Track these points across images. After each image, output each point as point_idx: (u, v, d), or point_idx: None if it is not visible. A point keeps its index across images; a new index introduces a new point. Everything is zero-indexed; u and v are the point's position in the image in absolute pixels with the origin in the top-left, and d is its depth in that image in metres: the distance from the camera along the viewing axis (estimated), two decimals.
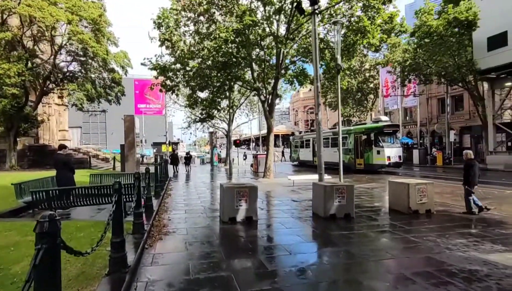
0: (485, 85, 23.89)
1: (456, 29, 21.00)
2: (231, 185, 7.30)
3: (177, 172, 23.76)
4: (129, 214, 4.55)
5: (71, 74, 22.61)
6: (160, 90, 17.84)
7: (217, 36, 13.44)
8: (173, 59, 16.16)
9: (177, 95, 21.69)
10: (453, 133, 28.01)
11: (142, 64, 15.56)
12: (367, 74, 36.38)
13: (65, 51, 21.72)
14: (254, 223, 6.89)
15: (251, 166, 24.40)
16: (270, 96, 17.48)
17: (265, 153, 18.96)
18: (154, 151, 45.94)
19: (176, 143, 47.89)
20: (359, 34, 15.94)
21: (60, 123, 31.13)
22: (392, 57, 30.67)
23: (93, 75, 23.50)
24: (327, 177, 14.02)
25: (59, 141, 26.82)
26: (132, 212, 5.35)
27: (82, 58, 21.42)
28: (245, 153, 40.14)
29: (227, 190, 6.98)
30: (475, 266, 4.14)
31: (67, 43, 20.40)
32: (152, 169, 10.79)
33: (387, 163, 18.57)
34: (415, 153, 28.08)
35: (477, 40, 21.12)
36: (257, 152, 41.15)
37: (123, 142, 17.64)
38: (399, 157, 19.20)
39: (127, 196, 6.72)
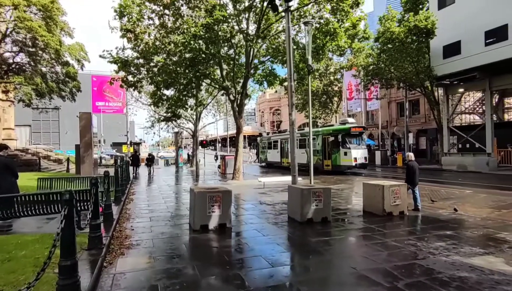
0: (441, 91, 25.45)
1: (416, 37, 22.09)
2: (203, 189, 6.70)
3: (139, 173, 22.42)
4: (83, 228, 3.81)
5: (17, 67, 20.31)
6: (121, 86, 16.59)
7: (185, 30, 12.68)
8: (136, 54, 15.04)
9: (139, 92, 20.35)
10: (411, 135, 29.55)
11: (101, 56, 14.26)
12: (331, 78, 37.32)
13: (11, 41, 19.45)
14: (228, 230, 6.36)
15: (219, 167, 23.72)
16: (240, 96, 17.02)
17: (234, 153, 18.44)
18: (114, 151, 43.30)
19: (138, 144, 45.47)
20: (328, 37, 16.05)
21: (4, 121, 27.96)
22: (355, 61, 31.72)
23: (44, 68, 21.31)
24: (298, 179, 13.88)
25: (3, 141, 24.01)
26: (89, 223, 4.57)
27: (31, 49, 19.29)
28: (216, 153, 39.21)
29: (198, 195, 6.37)
30: (463, 273, 4.01)
31: (13, 31, 18.26)
32: (112, 171, 9.80)
33: (353, 164, 18.95)
34: (377, 154, 29.20)
35: (434, 48, 22.38)
36: (224, 153, 40.50)
37: (78, 142, 16.08)
38: (365, 158, 19.70)
39: (82, 204, 5.84)
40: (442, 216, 7.68)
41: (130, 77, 15.90)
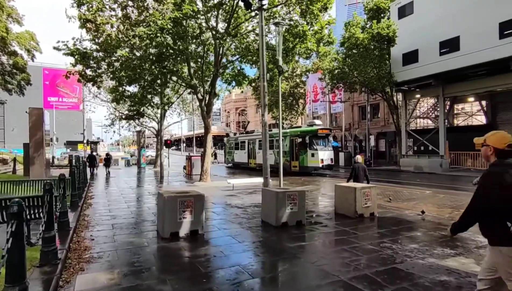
0: (400, 96, 26.92)
1: (378, 44, 23.14)
2: (173, 193, 6.24)
3: (97, 175, 21.01)
4: (35, 243, 3.24)
5: None
6: (79, 81, 15.30)
7: (152, 22, 11.96)
8: (96, 46, 13.93)
9: (99, 88, 18.99)
10: (373, 138, 30.96)
11: (55, 48, 12.98)
12: (298, 80, 38.02)
13: None
14: (201, 237, 5.97)
15: (184, 168, 22.94)
16: (208, 95, 16.53)
17: (201, 154, 17.88)
18: (68, 151, 40.24)
19: (96, 143, 42.76)
20: (298, 39, 16.15)
21: None
22: (321, 65, 32.56)
23: None
24: (262, 179, 13.74)
25: None
26: (41, 236, 3.95)
27: None
28: (189, 154, 37.99)
29: (168, 200, 5.90)
30: (442, 276, 4.04)
31: None
32: (67, 173, 8.88)
33: (320, 165, 19.30)
34: (341, 156, 30.17)
35: (394, 55, 23.61)
36: (189, 153, 39.38)
37: (27, 141, 14.54)
38: (331, 159, 20.17)
39: (33, 212, 5.11)
40: (409, 216, 7.93)
41: (88, 72, 14.73)
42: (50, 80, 42.57)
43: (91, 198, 10.92)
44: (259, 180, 14.43)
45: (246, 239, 5.94)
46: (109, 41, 13.01)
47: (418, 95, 24.70)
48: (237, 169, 27.89)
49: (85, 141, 33.32)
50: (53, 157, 28.79)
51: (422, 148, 24.33)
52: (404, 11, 22.88)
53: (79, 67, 14.81)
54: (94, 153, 27.89)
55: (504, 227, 2.35)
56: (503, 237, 2.37)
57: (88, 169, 19.42)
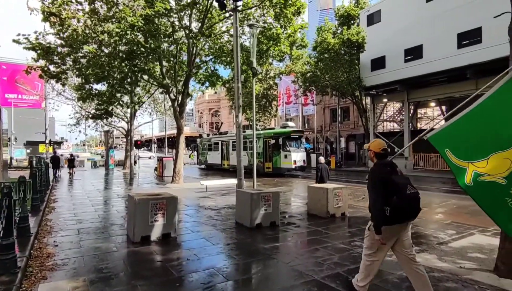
0: (368, 99, 28.05)
1: (349, 49, 23.98)
2: (145, 196, 6.04)
3: (60, 176, 19.92)
4: None
5: None
6: (40, 77, 14.39)
7: (122, 18, 11.53)
8: (60, 41, 13.17)
9: (63, 85, 17.95)
10: (343, 140, 31.95)
11: (15, 41, 12.10)
12: (271, 82, 38.40)
13: None
14: (173, 241, 5.83)
15: (155, 169, 22.32)
16: (181, 96, 16.22)
17: (174, 155, 17.50)
18: (28, 151, 37.69)
19: (59, 143, 40.45)
20: (272, 41, 16.32)
21: None
22: (294, 68, 33.14)
23: None
24: (235, 181, 13.72)
25: None
26: None
27: None
28: (151, 156, 36.80)
29: (139, 203, 5.70)
30: None
31: None
32: (27, 175, 8.30)
33: (293, 166, 19.60)
34: (313, 157, 30.80)
35: (363, 61, 24.58)
36: (162, 154, 38.44)
37: None
38: (304, 161, 20.55)
39: None
40: None
41: (52, 67, 13.90)
42: (8, 75, 39.71)
43: (54, 201, 10.30)
44: (232, 181, 14.37)
45: (220, 241, 5.88)
46: (75, 37, 12.35)
47: (385, 100, 25.87)
48: (210, 170, 27.60)
49: (47, 141, 31.37)
50: (11, 158, 26.84)
51: (388, 150, 25.46)
52: (372, 19, 23.90)
53: (42, 62, 13.94)
54: (70, 154, 26.41)
55: (384, 210, 3.10)
56: (385, 218, 3.12)
57: (51, 171, 18.34)
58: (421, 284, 3.22)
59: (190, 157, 39.78)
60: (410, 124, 25.75)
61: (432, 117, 30.24)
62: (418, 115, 31.35)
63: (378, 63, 23.48)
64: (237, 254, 5.17)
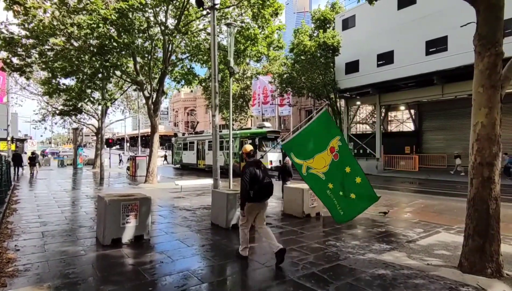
0: (343, 102, 28.80)
1: (324, 52, 24.47)
2: (116, 196, 5.80)
3: (23, 175, 18.84)
4: None
5: None
6: (2, 69, 13.45)
7: (93, 11, 11.03)
8: (25, 32, 12.36)
9: (28, 78, 16.88)
10: None
11: None
12: (248, 82, 38.42)
13: None
14: (146, 243, 5.65)
15: (127, 169, 21.59)
16: (156, 93, 15.80)
17: (147, 154, 17.00)
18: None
19: (23, 141, 38.09)
20: (249, 41, 16.31)
21: None
22: (270, 68, 33.38)
23: None
24: (211, 181, 13.56)
25: None
26: None
27: None
28: (120, 154, 35.44)
29: (110, 204, 5.47)
30: (380, 270, 4.38)
31: None
32: None
33: (269, 166, 19.68)
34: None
35: (338, 64, 25.18)
36: (135, 153, 37.32)
37: None
38: (280, 161, 20.68)
39: None
40: None
41: (15, 60, 13.04)
42: None
43: (16, 202, 9.66)
44: (208, 181, 14.19)
45: (195, 243, 5.77)
46: (42, 28, 11.64)
47: (358, 102, 26.68)
48: (185, 170, 27.12)
49: (9, 138, 29.38)
50: None
51: (361, 151, 26.30)
52: (347, 24, 24.55)
53: (4, 54, 13.03)
54: (31, 153, 24.95)
55: (249, 193, 4.57)
56: (249, 198, 4.60)
57: (12, 170, 17.22)
58: (268, 235, 4.82)
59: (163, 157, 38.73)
60: (382, 126, 26.75)
61: (402, 120, 31.58)
62: (389, 118, 32.64)
63: (352, 66, 24.15)
64: (213, 256, 5.10)
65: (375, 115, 26.83)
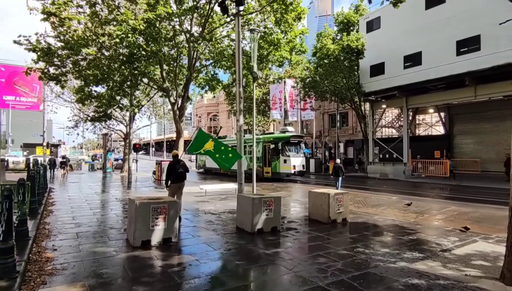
0: (367, 105, 28.14)
1: (348, 55, 24.11)
2: (146, 199, 5.97)
3: (56, 176, 20.18)
4: None
5: None
6: (40, 79, 14.33)
7: (123, 21, 11.53)
8: (61, 43, 13.13)
9: (62, 87, 17.86)
10: (342, 145, 31.97)
11: (16, 42, 12.06)
12: (271, 87, 38.44)
13: None
14: (174, 246, 5.76)
15: (153, 173, 22.17)
16: (181, 99, 16.22)
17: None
18: (25, 153, 37.38)
19: (57, 146, 40.24)
20: (272, 46, 16.39)
21: None
22: (293, 73, 33.24)
23: None
24: (234, 185, 13.66)
25: None
26: None
27: None
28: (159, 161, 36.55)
29: (140, 207, 5.63)
30: (414, 280, 4.19)
31: None
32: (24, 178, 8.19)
33: (292, 171, 19.55)
34: (312, 162, 30.81)
35: (362, 67, 24.69)
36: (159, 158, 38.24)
37: None
38: (303, 166, 20.51)
39: None
40: (378, 221, 8.22)
41: (52, 70, 13.85)
42: (7, 77, 39.45)
43: (52, 204, 10.18)
44: (231, 186, 14.31)
45: (222, 247, 5.81)
46: (76, 39, 12.33)
47: (384, 106, 25.97)
48: (208, 174, 27.48)
49: (45, 144, 31.17)
50: (7, 160, 26.59)
51: (387, 156, 25.51)
52: (372, 26, 24.06)
53: (42, 64, 13.89)
54: (60, 157, 26.77)
55: (170, 178, 7.84)
56: (170, 181, 7.84)
57: (48, 173, 18.23)
58: (179, 206, 7.31)
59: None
60: (409, 130, 25.84)
61: (431, 123, 30.36)
62: (417, 121, 31.49)
63: (378, 69, 23.59)
64: (239, 260, 5.10)
65: (402, 119, 25.99)
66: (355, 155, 34.61)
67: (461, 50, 18.20)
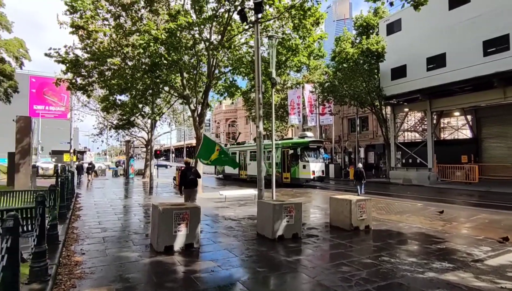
0: (388, 109, 27.50)
1: (368, 58, 23.71)
2: (168, 205, 6.08)
3: (82, 182, 21.54)
4: (27, 259, 3.06)
5: None
6: (68, 89, 15.01)
7: (146, 32, 11.92)
8: (87, 54, 13.74)
9: (89, 96, 18.64)
10: (362, 150, 31.34)
11: (46, 55, 12.74)
12: (289, 92, 38.39)
13: None
14: (196, 251, 5.81)
15: (174, 179, 22.58)
16: (200, 106, 16.47)
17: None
18: (53, 160, 39.13)
19: (83, 153, 41.85)
20: (290, 52, 16.38)
21: None
22: (311, 78, 33.07)
23: None
24: (254, 191, 13.64)
25: None
26: (32, 251, 3.75)
27: None
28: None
29: (164, 212, 5.74)
30: None
31: None
32: (53, 183, 8.57)
33: (312, 177, 19.34)
34: (331, 168, 30.37)
35: (383, 70, 24.20)
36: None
37: (11, 149, 14.07)
38: (322, 171, 20.25)
39: (22, 225, 4.87)
40: (403, 229, 7.96)
41: (79, 80, 14.48)
42: (37, 88, 41.73)
43: (79, 209, 10.57)
44: (250, 192, 14.32)
45: (243, 253, 5.81)
46: (101, 50, 12.86)
47: (406, 109, 25.28)
48: (227, 180, 27.66)
49: (71, 151, 32.53)
50: (37, 166, 27.94)
51: (410, 161, 24.72)
52: (392, 28, 23.60)
53: (69, 75, 14.57)
54: (86, 163, 28.16)
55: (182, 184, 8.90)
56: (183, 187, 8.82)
57: (75, 178, 19.01)
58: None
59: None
60: (434, 134, 24.97)
61: (457, 126, 29.21)
62: (441, 125, 30.39)
63: (399, 72, 23.05)
64: (261, 267, 5.08)
65: (426, 122, 25.17)
66: (376, 160, 33.80)
67: (488, 50, 17.49)
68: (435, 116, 26.51)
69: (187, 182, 8.61)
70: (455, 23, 19.18)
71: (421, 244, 6.55)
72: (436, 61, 20.38)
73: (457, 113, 27.34)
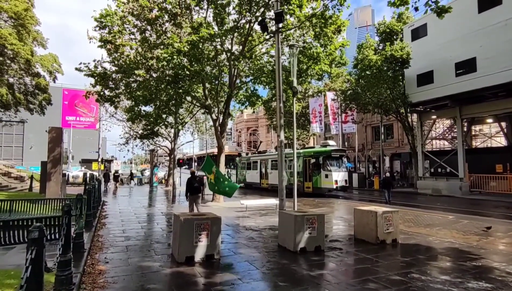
0: (414, 116, 26.53)
1: (392, 65, 23.11)
2: (190, 216, 6.10)
3: (109, 189, 22.98)
4: (52, 268, 3.13)
5: None
6: (97, 100, 15.69)
7: (169, 44, 12.28)
8: (115, 67, 14.36)
9: (116, 108, 19.39)
10: (387, 159, 30.34)
11: (77, 69, 13.44)
12: (310, 100, 38.08)
13: None
14: (217, 262, 5.75)
15: None
16: (222, 116, 16.65)
17: None
18: (83, 168, 40.86)
19: (110, 161, 43.42)
20: (312, 60, 16.27)
21: None
22: (332, 86, 32.66)
23: (11, 79, 19.90)
24: (275, 201, 13.46)
25: None
26: (58, 260, 3.84)
27: None
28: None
29: (185, 223, 5.75)
30: None
31: None
32: (81, 191, 8.87)
33: (334, 186, 18.87)
34: (355, 177, 29.54)
35: (408, 76, 23.46)
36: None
37: (44, 159, 14.81)
38: (345, 181, 19.72)
39: (48, 233, 5.04)
40: (434, 243, 7.51)
41: (107, 92, 15.10)
42: (69, 100, 44.06)
43: (105, 217, 10.87)
44: (272, 201, 14.16)
45: (264, 266, 5.68)
46: (128, 63, 13.39)
47: (434, 116, 24.28)
48: (248, 189, 27.58)
49: (99, 159, 33.83)
50: (68, 175, 29.27)
51: (439, 170, 23.60)
52: (417, 33, 22.92)
53: (98, 88, 15.24)
54: (115, 171, 29.71)
55: (188, 191, 10.26)
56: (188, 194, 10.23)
57: (102, 186, 19.70)
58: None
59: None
60: (464, 142, 23.77)
61: (490, 134, 27.67)
62: (473, 133, 28.91)
63: (426, 78, 22.24)
64: (282, 281, 4.93)
65: (455, 130, 24.03)
66: (403, 169, 32.57)
67: None
68: (465, 124, 25.31)
69: (192, 189, 9.91)
70: (486, 26, 18.33)
71: (454, 260, 6.13)
72: (466, 66, 19.49)
73: (490, 120, 25.95)
